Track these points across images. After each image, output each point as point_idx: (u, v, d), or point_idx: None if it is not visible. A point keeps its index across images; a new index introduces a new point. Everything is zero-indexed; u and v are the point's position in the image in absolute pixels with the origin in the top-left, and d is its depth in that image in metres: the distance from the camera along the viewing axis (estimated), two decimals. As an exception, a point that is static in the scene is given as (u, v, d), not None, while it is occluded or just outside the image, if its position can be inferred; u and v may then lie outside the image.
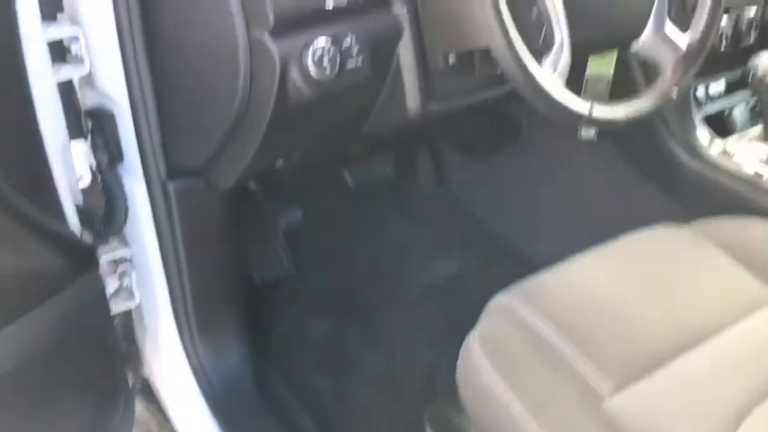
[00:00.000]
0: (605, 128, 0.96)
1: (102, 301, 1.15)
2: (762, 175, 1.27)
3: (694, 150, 1.33)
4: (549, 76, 0.90)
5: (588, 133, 1.23)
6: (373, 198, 1.70)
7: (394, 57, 1.11)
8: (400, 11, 1.08)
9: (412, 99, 1.14)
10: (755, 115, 1.40)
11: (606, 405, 0.80)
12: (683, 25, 1.01)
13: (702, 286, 0.96)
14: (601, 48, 1.01)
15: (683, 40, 1.01)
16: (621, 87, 1.07)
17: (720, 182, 1.30)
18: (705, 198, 1.32)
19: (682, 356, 0.83)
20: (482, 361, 0.88)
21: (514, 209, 1.69)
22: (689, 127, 1.34)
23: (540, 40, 0.91)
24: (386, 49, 1.10)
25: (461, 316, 0.96)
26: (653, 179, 1.40)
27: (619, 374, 0.82)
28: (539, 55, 0.91)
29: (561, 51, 0.91)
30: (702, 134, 1.34)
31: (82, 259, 1.09)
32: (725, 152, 1.33)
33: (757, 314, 0.89)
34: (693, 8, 1.02)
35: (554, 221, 1.59)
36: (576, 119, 0.92)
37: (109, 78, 1.09)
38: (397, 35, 1.09)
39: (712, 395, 0.79)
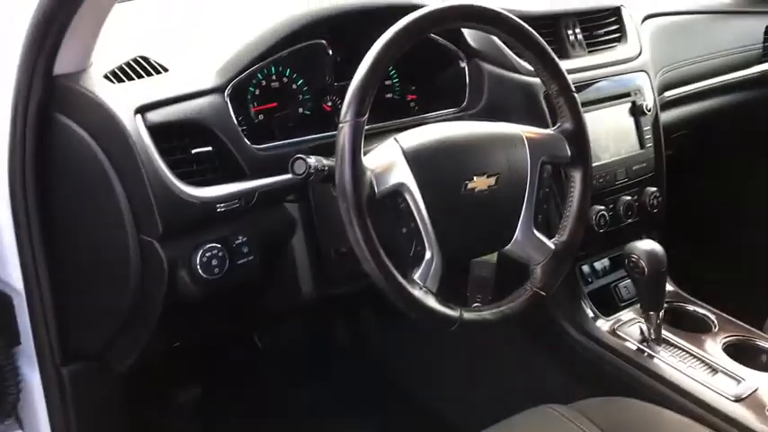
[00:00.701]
0: (478, 329, 1.02)
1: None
2: (644, 352, 1.34)
3: (581, 327, 1.40)
4: (419, 290, 0.96)
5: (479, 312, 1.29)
6: (286, 359, 1.72)
7: (287, 249, 1.17)
8: (293, 209, 1.15)
9: (305, 284, 1.20)
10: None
11: None
12: (551, 232, 1.10)
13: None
14: (474, 255, 1.09)
15: (550, 243, 1.09)
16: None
17: (606, 358, 1.37)
18: (594, 373, 1.38)
19: None
20: None
21: (426, 368, 1.73)
22: (576, 303, 1.42)
23: (411, 253, 0.98)
24: (278, 243, 1.16)
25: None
26: (547, 354, 1.46)
27: None
28: (410, 265, 0.98)
29: (432, 265, 0.97)
30: (588, 310, 1.42)
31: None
32: (611, 328, 1.40)
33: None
34: (560, 217, 1.11)
35: (463, 386, 1.62)
36: (448, 324, 0.98)
37: (6, 267, 1.12)
38: (290, 231, 1.16)
39: None
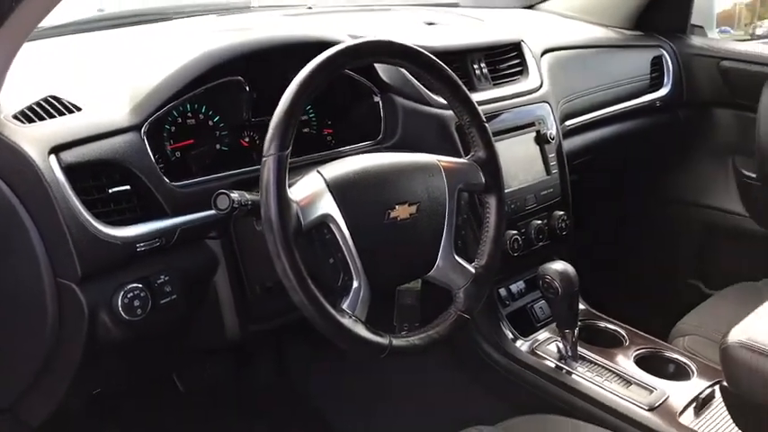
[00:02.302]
0: (408, 355, 1.04)
1: None
2: (562, 369, 1.39)
3: (502, 349, 1.45)
4: (349, 319, 0.97)
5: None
6: (209, 399, 1.68)
7: (210, 286, 1.16)
8: (215, 246, 1.14)
9: (230, 322, 1.18)
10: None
11: None
12: (470, 257, 1.14)
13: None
14: (400, 283, 1.11)
15: (471, 267, 1.12)
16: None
17: (527, 378, 1.41)
18: (517, 392, 1.43)
19: None
20: None
21: (353, 400, 1.72)
22: (495, 326, 1.46)
23: (339, 283, 0.99)
24: (201, 281, 1.14)
25: None
26: (472, 377, 1.50)
27: None
28: (338, 295, 0.99)
29: (360, 294, 0.99)
30: (508, 332, 1.46)
31: None
32: (530, 348, 1.45)
33: None
34: (477, 241, 1.15)
35: (391, 415, 1.63)
36: (378, 352, 0.99)
37: None
38: (213, 268, 1.15)
39: None
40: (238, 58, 1.16)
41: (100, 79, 1.17)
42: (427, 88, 1.40)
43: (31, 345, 1.04)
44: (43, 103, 1.05)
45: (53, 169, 0.96)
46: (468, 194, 1.14)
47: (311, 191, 0.98)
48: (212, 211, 1.03)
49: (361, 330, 0.98)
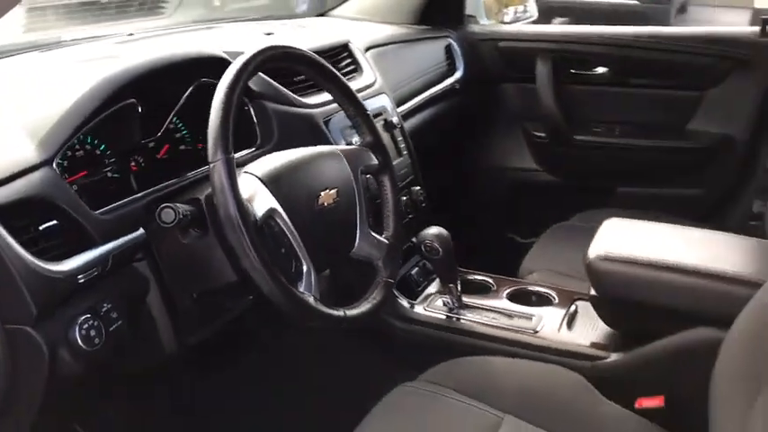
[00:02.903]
0: (363, 322, 1.15)
1: None
2: (453, 318, 1.58)
3: (402, 316, 1.60)
4: (309, 298, 1.06)
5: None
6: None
7: (145, 307, 1.17)
8: (142, 267, 1.16)
9: (166, 338, 1.20)
10: (427, 273, 1.75)
11: None
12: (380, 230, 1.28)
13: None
14: (338, 263, 1.22)
15: (384, 239, 1.26)
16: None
17: (429, 333, 1.58)
18: (423, 349, 1.59)
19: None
20: None
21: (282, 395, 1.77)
22: (391, 298, 1.61)
23: (293, 270, 1.08)
24: (137, 303, 1.15)
25: None
26: (383, 348, 1.64)
27: None
28: (293, 281, 1.07)
29: (311, 276, 1.08)
30: (403, 301, 1.62)
31: None
32: (422, 309, 1.62)
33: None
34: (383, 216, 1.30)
35: (322, 404, 1.70)
36: (339, 323, 1.10)
37: None
38: (146, 288, 1.16)
39: None
40: (137, 79, 1.18)
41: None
42: (311, 88, 1.51)
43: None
44: None
45: None
46: (369, 175, 1.27)
47: (252, 189, 1.06)
48: (136, 234, 1.07)
49: (322, 308, 1.08)
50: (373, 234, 1.25)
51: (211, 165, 0.99)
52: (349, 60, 1.80)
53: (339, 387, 1.66)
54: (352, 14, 2.42)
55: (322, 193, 1.14)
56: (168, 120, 1.29)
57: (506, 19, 3.39)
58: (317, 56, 1.22)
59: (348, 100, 1.28)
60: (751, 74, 2.14)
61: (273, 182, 1.08)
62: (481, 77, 2.41)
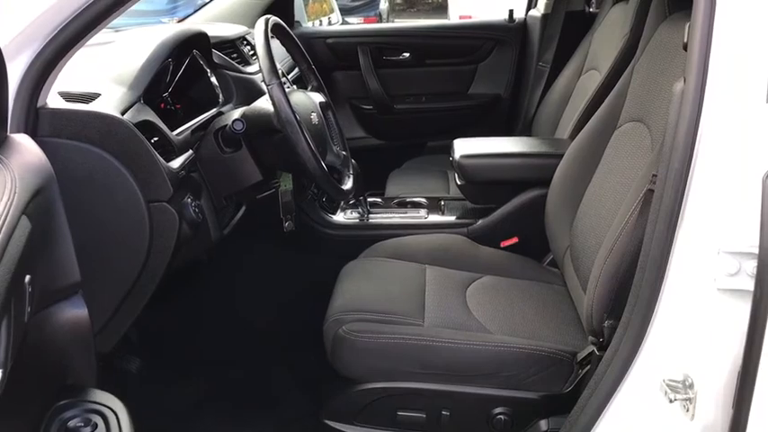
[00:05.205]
0: (347, 195, 1.75)
1: None
2: (364, 219, 2.22)
3: (327, 223, 2.20)
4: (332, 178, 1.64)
5: (290, 226, 1.98)
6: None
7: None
8: (197, 176, 1.63)
9: (214, 230, 1.68)
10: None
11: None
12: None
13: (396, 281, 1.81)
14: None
15: (341, 152, 1.86)
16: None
17: (352, 234, 2.20)
18: (341, 246, 2.19)
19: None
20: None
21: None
22: (313, 209, 2.21)
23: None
24: (199, 198, 1.63)
25: None
26: (317, 251, 2.21)
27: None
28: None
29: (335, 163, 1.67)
30: (323, 213, 2.22)
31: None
32: (341, 218, 2.24)
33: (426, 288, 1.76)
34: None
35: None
36: (346, 194, 1.69)
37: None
38: (201, 189, 1.63)
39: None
40: (175, 45, 1.65)
41: (95, 75, 1.52)
42: (243, 63, 2.04)
43: (126, 263, 1.39)
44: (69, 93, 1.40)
45: (133, 126, 1.37)
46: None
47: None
48: (188, 153, 1.56)
49: (337, 184, 1.66)
50: (335, 149, 1.84)
51: (269, 87, 1.52)
52: (249, 47, 2.35)
53: (297, 281, 2.20)
54: (204, 21, 2.92)
55: (312, 113, 1.72)
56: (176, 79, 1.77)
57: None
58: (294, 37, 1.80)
59: (303, 60, 1.87)
60: (507, 49, 3.08)
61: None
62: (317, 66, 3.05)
